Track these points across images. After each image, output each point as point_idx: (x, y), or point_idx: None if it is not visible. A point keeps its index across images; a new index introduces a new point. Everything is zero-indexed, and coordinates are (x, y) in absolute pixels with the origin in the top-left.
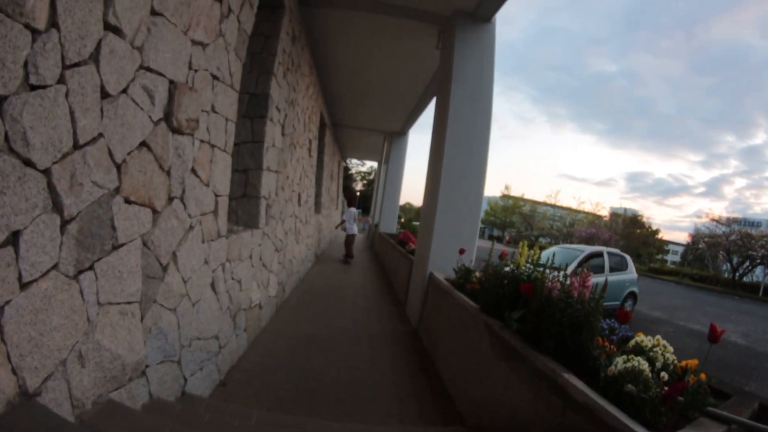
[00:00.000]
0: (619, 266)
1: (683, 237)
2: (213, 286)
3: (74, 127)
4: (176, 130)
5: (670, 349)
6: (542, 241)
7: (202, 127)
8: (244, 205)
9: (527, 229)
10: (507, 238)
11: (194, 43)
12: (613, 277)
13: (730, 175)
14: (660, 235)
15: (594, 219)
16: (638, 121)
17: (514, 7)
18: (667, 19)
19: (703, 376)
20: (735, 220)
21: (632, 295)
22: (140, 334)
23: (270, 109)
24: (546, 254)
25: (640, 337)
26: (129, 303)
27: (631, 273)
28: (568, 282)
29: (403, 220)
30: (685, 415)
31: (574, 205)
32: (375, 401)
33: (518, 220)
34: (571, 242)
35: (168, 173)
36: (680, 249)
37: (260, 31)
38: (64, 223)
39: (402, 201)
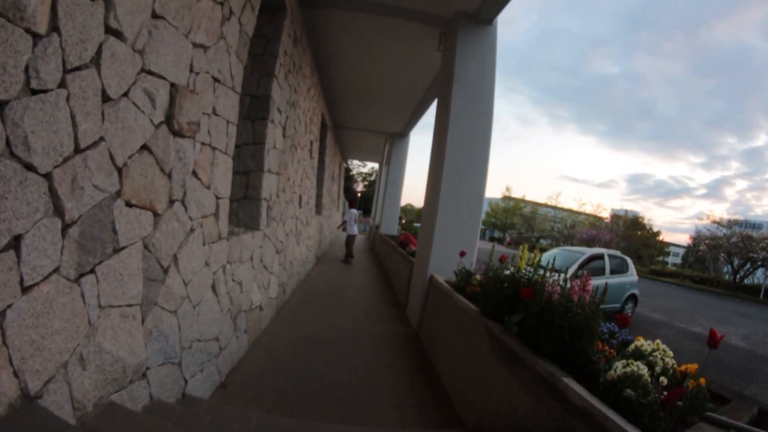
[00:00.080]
0: (619, 269)
1: (684, 239)
2: (214, 288)
3: (75, 131)
4: (177, 133)
5: (670, 353)
6: (543, 242)
7: (203, 129)
8: (245, 206)
9: (528, 231)
10: (508, 239)
11: (195, 45)
12: (614, 280)
13: (731, 177)
14: (661, 237)
15: (595, 221)
16: (640, 123)
17: (516, 8)
18: (670, 20)
19: (702, 380)
20: (736, 222)
21: (633, 298)
22: (141, 336)
23: (271, 111)
24: (546, 257)
25: (640, 342)
26: (130, 306)
27: (632, 275)
28: (568, 286)
29: (404, 221)
30: (684, 420)
31: (575, 207)
32: (375, 403)
33: (519, 222)
34: (572, 244)
35: (169, 176)
36: (681, 251)
37: (262, 33)
38: (66, 227)
39: (403, 202)
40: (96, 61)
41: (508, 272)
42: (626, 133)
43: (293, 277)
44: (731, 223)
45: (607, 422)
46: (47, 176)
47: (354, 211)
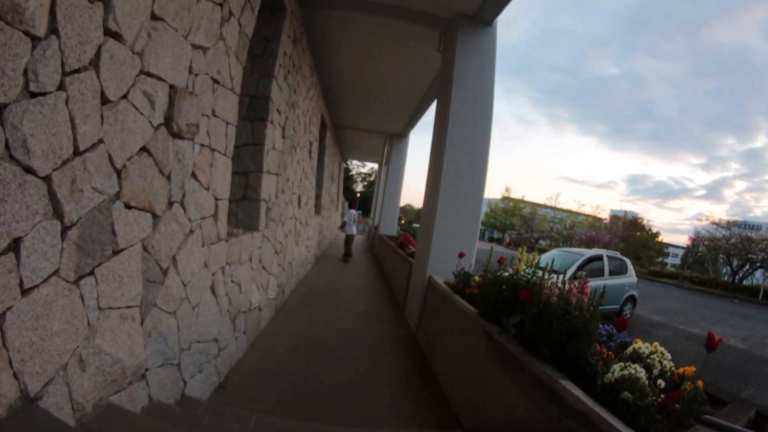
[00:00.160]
0: (618, 270)
1: (683, 240)
2: (213, 289)
3: (74, 134)
4: (176, 135)
5: (668, 356)
6: (542, 243)
7: (202, 131)
8: (244, 207)
9: (527, 232)
10: (507, 240)
11: (195, 47)
12: (613, 281)
13: (730, 178)
14: (660, 238)
15: (594, 221)
16: (639, 124)
17: (516, 9)
18: (670, 21)
19: (700, 383)
20: (735, 223)
21: (631, 299)
22: (140, 337)
23: (271, 112)
24: (545, 258)
25: (638, 344)
26: (129, 307)
27: (631, 276)
28: (566, 288)
29: (403, 221)
30: (681, 423)
31: (574, 208)
32: (373, 404)
33: (518, 223)
34: (571, 245)
35: (168, 178)
36: (680, 252)
37: (261, 34)
38: (65, 229)
39: (402, 202)
40: (95, 63)
41: (506, 274)
42: (626, 133)
43: (292, 278)
44: (730, 224)
45: (603, 425)
46: (46, 179)
47: (353, 211)
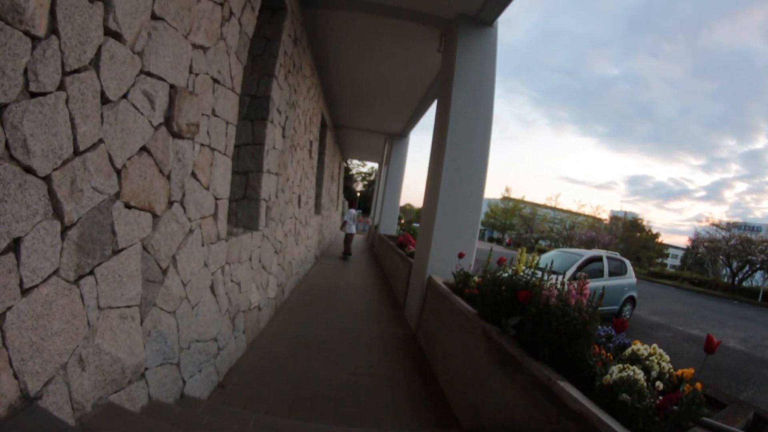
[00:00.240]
0: (618, 271)
1: (683, 241)
2: (212, 288)
3: (74, 134)
4: (177, 135)
5: (666, 357)
6: (542, 243)
7: (202, 130)
8: (244, 207)
9: (527, 232)
10: (507, 240)
11: (195, 47)
12: (612, 282)
13: (730, 179)
14: (660, 239)
15: (594, 222)
16: (640, 125)
17: (517, 9)
18: (670, 22)
19: (698, 385)
20: (735, 225)
21: (631, 300)
22: (140, 337)
23: (271, 112)
24: (545, 259)
25: (637, 346)
26: (129, 307)
27: (630, 277)
28: (565, 289)
29: (403, 221)
30: (680, 425)
31: (574, 208)
32: (372, 404)
33: (518, 223)
34: (571, 245)
35: (168, 177)
36: (680, 253)
37: (262, 34)
38: (65, 229)
39: (402, 202)
40: (95, 63)
41: (506, 275)
42: (626, 134)
43: (292, 277)
44: (730, 226)
45: (602, 426)
46: (46, 179)
47: (353, 211)
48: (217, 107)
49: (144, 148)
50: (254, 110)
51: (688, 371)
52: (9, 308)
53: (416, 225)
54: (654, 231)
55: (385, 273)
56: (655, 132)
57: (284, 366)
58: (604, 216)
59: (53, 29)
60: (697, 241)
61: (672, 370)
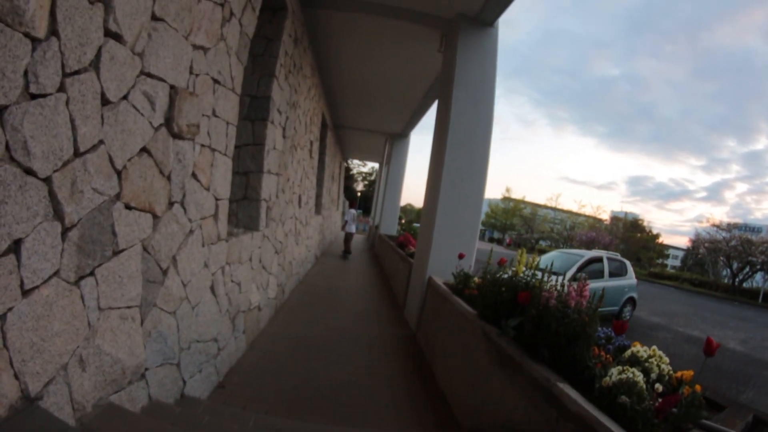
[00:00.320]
0: (618, 271)
1: (684, 241)
2: (212, 289)
3: (75, 135)
4: (177, 136)
5: (666, 359)
6: (542, 244)
7: (202, 131)
8: (244, 207)
9: (528, 232)
10: (507, 240)
11: (195, 47)
12: (613, 283)
13: (731, 180)
14: (660, 240)
15: (594, 222)
16: (640, 125)
17: (518, 10)
18: (671, 23)
19: (698, 387)
20: (736, 226)
21: (631, 301)
22: (140, 337)
23: (271, 112)
24: (545, 259)
25: (636, 348)
26: (129, 307)
27: (631, 278)
28: (565, 291)
29: (403, 221)
30: (679, 427)
31: (574, 209)
32: (372, 405)
33: (519, 223)
34: (572, 246)
35: (168, 178)
36: (680, 254)
37: (262, 34)
38: (65, 231)
39: (403, 202)
40: (95, 64)
41: (506, 276)
42: (627, 135)
43: (292, 278)
44: (731, 227)
45: (601, 429)
46: (47, 180)
47: (353, 211)
48: (218, 108)
49: (144, 149)
50: (255, 110)
51: (688, 373)
52: (10, 309)
53: (417, 225)
54: (654, 232)
55: (386, 273)
56: (656, 132)
57: (284, 366)
58: (605, 216)
59: (53, 31)
60: (697, 241)
61: (671, 372)
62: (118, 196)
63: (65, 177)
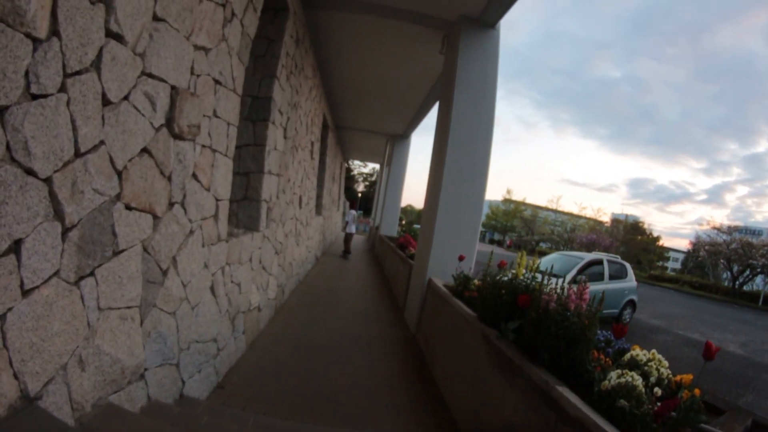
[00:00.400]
0: (618, 274)
1: (684, 244)
2: (212, 289)
3: (75, 136)
4: (178, 136)
5: (665, 363)
6: (543, 246)
7: (203, 132)
8: (244, 208)
9: (528, 234)
10: (508, 242)
11: (197, 48)
12: (613, 285)
13: (732, 183)
14: (661, 242)
15: (595, 225)
16: (641, 127)
17: (519, 11)
18: (673, 25)
19: (697, 391)
20: (736, 228)
21: (631, 303)
22: (140, 338)
23: (272, 113)
24: (545, 262)
25: (636, 351)
26: (129, 308)
27: (631, 281)
28: (565, 294)
29: (404, 222)
30: (677, 431)
31: (575, 211)
32: (372, 405)
33: (519, 225)
34: (572, 248)
35: (169, 179)
36: (681, 256)
37: (264, 34)
38: (66, 231)
39: (403, 203)
40: (96, 64)
41: (506, 278)
42: (628, 137)
43: (292, 278)
44: (731, 229)
45: None
46: (47, 181)
47: (353, 212)
48: (219, 108)
49: (145, 150)
50: (256, 111)
51: (687, 377)
52: (10, 309)
53: (417, 226)
54: (655, 234)
55: (386, 274)
56: (657, 135)
57: (284, 367)
58: (605, 219)
59: (54, 31)
60: (697, 244)
61: (671, 375)
62: (118, 197)
63: (66, 177)
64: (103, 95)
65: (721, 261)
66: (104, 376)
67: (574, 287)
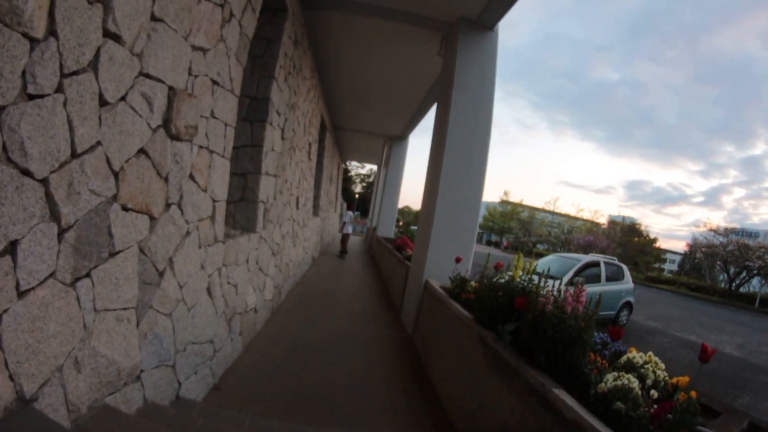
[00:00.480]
0: (615, 276)
1: (681, 246)
2: (209, 290)
3: (72, 136)
4: (175, 137)
5: (662, 365)
6: (540, 247)
7: (201, 132)
8: (241, 209)
9: (525, 236)
10: (505, 243)
11: (195, 48)
12: (609, 287)
13: (729, 185)
14: (658, 244)
15: (592, 226)
16: (639, 130)
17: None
18: (671, 27)
19: (693, 393)
20: (733, 231)
21: (628, 305)
22: (136, 339)
23: (270, 113)
24: (542, 264)
25: (632, 353)
26: (125, 309)
27: (628, 283)
28: (561, 297)
29: (401, 223)
30: None
31: (572, 212)
32: (368, 407)
33: (516, 226)
34: (569, 250)
35: (166, 180)
36: (677, 258)
37: (262, 35)
38: (62, 232)
39: (401, 204)
40: (94, 65)
41: (503, 280)
42: (625, 139)
43: (289, 279)
44: (728, 232)
45: None
46: (44, 181)
47: (350, 213)
48: (216, 109)
49: (142, 151)
50: (253, 112)
51: (683, 379)
52: (5, 311)
53: (414, 228)
54: (652, 236)
55: (383, 275)
56: (655, 137)
57: (280, 368)
58: (602, 220)
59: (52, 31)
60: (694, 246)
61: (667, 378)
62: (115, 198)
63: (62, 178)
64: (100, 96)
65: (718, 263)
66: (100, 377)
67: (571, 289)
